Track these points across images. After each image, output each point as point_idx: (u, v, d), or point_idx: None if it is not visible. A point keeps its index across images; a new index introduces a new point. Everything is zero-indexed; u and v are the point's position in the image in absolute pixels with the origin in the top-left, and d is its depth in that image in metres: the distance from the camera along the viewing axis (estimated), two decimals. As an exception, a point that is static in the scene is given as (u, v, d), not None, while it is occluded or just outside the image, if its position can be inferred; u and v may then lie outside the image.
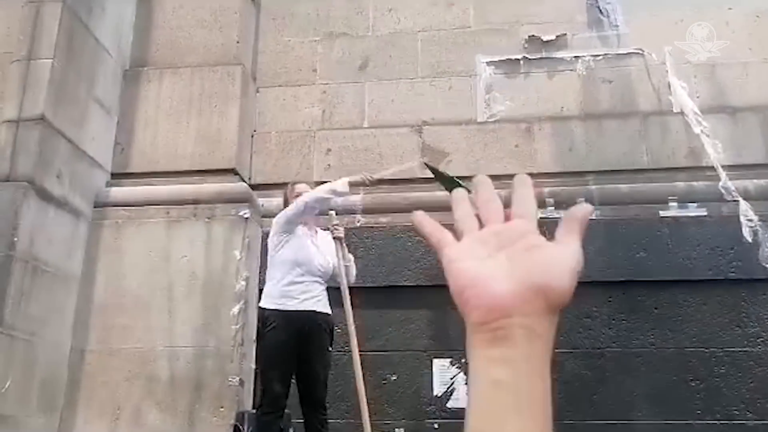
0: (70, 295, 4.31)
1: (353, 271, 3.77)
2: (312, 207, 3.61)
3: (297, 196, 3.74)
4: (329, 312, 3.57)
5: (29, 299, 3.88)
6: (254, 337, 4.45)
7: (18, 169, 4.03)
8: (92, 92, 4.70)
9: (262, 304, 3.60)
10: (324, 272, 3.62)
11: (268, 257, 3.71)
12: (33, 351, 3.92)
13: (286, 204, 3.84)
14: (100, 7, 4.84)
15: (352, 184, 3.73)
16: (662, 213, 4.44)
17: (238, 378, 4.19)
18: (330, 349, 3.49)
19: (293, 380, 3.47)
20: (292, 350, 3.43)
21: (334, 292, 3.70)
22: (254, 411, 3.79)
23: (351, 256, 3.78)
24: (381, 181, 4.93)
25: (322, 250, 3.69)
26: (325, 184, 3.76)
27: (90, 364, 4.31)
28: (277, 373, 3.42)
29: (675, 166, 4.68)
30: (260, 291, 4.54)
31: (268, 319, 3.53)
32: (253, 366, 4.42)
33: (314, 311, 3.48)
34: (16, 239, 3.80)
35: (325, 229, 3.81)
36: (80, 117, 4.56)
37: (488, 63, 5.24)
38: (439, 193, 4.64)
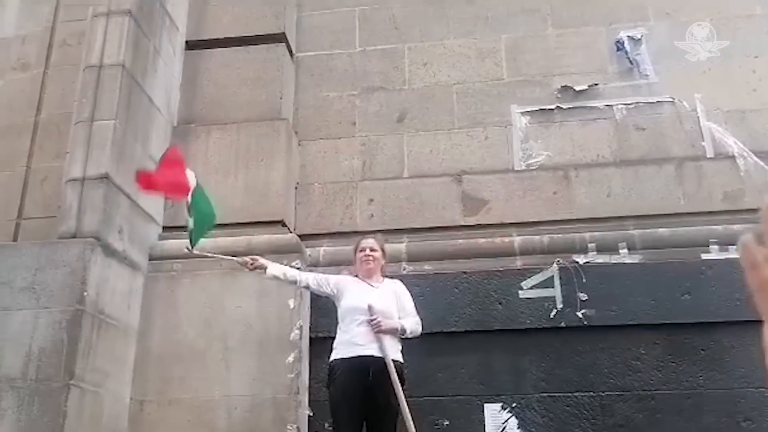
0: (129, 346, 4.42)
1: (418, 329, 3.89)
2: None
3: (360, 251, 3.94)
4: (396, 358, 3.66)
5: (96, 352, 4.00)
6: (307, 385, 4.56)
7: (84, 226, 4.19)
8: (146, 149, 4.90)
9: (331, 356, 3.72)
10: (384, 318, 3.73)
11: None
12: (99, 402, 4.02)
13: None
14: (153, 68, 5.07)
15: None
16: (704, 256, 4.55)
17: (296, 426, 4.26)
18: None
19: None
20: (358, 396, 3.53)
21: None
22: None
23: (404, 325, 3.83)
24: (423, 230, 5.13)
25: (382, 297, 3.82)
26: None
27: (149, 414, 4.39)
28: (346, 419, 3.51)
29: (712, 210, 4.81)
30: (311, 339, 4.70)
31: (333, 369, 3.66)
32: (308, 413, 4.50)
33: (375, 357, 3.58)
34: (85, 293, 3.94)
35: (392, 277, 4.01)
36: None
37: (523, 113, 5.43)
38: (481, 240, 4.80)
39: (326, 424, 4.30)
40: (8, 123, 5.46)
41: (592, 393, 4.40)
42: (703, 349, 4.39)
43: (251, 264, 3.93)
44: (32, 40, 5.69)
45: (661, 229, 4.76)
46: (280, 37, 5.67)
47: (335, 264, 4.81)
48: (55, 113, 5.21)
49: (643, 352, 4.43)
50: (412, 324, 3.86)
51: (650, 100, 5.25)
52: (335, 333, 3.91)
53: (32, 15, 5.86)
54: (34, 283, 3.99)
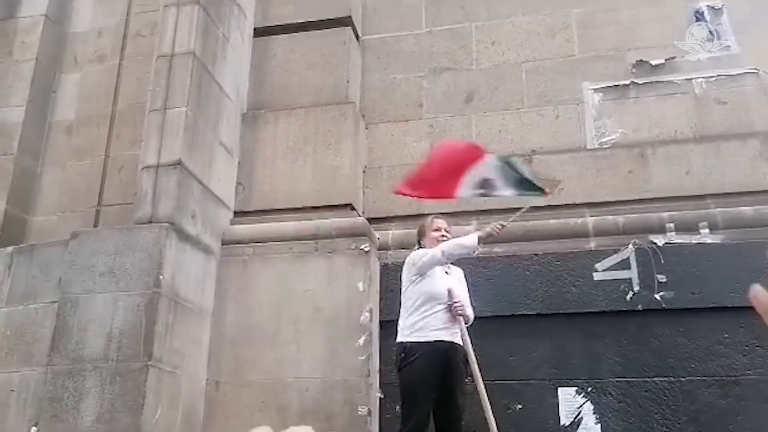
0: (204, 328, 4.53)
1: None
2: (448, 258, 3.81)
3: (436, 230, 3.90)
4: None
5: (172, 334, 4.11)
6: (378, 368, 4.57)
7: (159, 212, 4.30)
8: (217, 135, 4.98)
9: (401, 338, 3.72)
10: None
11: (402, 291, 3.86)
12: (177, 383, 4.13)
13: (420, 236, 4.01)
14: (222, 56, 5.14)
15: (482, 240, 3.81)
16: (792, 235, 4.31)
17: (367, 408, 4.28)
18: (467, 380, 3.56)
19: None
20: (435, 380, 3.53)
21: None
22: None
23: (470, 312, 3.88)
24: (492, 211, 5.02)
25: (456, 282, 3.80)
26: (457, 239, 3.86)
27: (224, 395, 4.50)
28: (421, 402, 3.51)
29: (801, 187, 4.55)
30: (381, 323, 4.69)
31: (411, 350, 3.63)
32: (379, 395, 4.51)
33: (453, 342, 3.58)
34: (161, 277, 4.05)
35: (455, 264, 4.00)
36: (208, 159, 4.83)
37: (595, 90, 5.25)
38: (552, 221, 4.66)
39: (397, 407, 4.29)
40: (88, 114, 5.66)
41: (672, 378, 4.24)
42: (792, 333, 4.16)
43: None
44: (107, 32, 5.86)
45: (744, 208, 4.53)
46: (346, 21, 5.66)
47: (405, 247, 4.77)
48: (130, 103, 5.36)
49: (726, 335, 4.23)
50: (472, 313, 3.90)
51: (732, 73, 5.00)
52: (402, 316, 3.91)
53: (107, 9, 6.04)
54: (114, 268, 4.12)
